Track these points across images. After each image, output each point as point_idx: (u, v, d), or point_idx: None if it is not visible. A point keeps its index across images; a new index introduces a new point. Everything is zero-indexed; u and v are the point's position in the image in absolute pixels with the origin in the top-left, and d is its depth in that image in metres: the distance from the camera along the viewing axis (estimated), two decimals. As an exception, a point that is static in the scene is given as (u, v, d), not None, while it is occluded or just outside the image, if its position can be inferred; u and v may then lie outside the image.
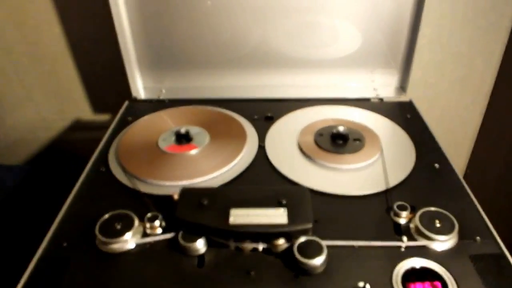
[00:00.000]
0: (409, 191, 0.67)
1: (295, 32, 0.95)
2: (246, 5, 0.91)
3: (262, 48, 0.97)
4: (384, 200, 0.64)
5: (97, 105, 1.21)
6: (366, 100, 0.98)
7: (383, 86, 1.01)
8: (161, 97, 0.99)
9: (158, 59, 0.98)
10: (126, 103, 0.97)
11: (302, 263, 0.53)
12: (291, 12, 0.92)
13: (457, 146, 1.31)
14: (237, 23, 0.94)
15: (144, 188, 0.68)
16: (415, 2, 0.90)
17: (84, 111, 1.23)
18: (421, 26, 0.91)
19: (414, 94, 1.01)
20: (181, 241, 0.56)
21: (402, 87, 1.01)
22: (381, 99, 0.98)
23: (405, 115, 0.91)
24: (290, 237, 0.55)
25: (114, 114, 0.93)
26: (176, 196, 0.60)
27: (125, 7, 0.91)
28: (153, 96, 1.00)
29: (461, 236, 0.58)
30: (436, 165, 0.73)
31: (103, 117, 1.24)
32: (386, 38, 0.95)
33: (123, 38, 0.92)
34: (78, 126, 1.26)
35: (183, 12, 0.92)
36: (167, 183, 0.69)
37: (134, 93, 0.99)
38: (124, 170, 0.72)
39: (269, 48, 0.97)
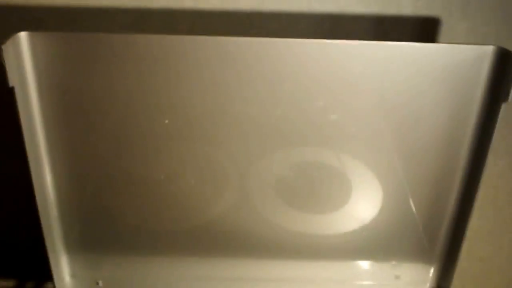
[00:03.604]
0: None
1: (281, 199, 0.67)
2: (217, 161, 0.64)
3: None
4: None
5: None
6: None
7: (412, 285, 0.71)
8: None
9: (94, 235, 0.71)
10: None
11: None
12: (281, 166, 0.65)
13: None
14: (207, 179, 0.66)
15: None
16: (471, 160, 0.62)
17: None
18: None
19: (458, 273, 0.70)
20: None
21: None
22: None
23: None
24: None
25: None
26: None
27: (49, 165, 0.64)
28: (84, 289, 0.72)
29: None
30: None
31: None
32: (416, 210, 0.66)
33: (43, 202, 0.64)
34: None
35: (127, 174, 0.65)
36: None
37: (57, 284, 0.70)
38: None
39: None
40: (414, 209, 0.66)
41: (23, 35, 0.53)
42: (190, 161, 0.64)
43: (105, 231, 0.70)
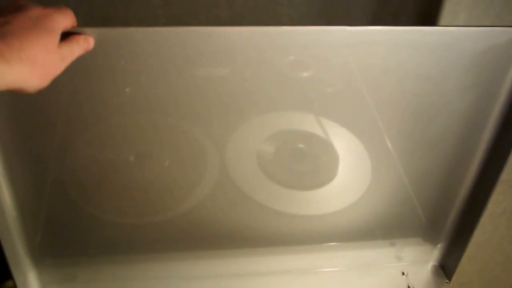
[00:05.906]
0: None
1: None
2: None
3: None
4: None
5: None
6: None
7: (414, 265, 0.68)
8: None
9: (61, 242, 0.61)
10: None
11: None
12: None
13: None
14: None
15: None
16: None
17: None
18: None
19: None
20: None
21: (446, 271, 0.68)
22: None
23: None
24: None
25: None
26: None
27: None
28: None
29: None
30: None
31: None
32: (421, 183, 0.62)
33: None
34: None
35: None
36: None
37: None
38: None
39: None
40: (408, 184, 0.62)
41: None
42: (163, 138, 0.55)
43: (73, 234, 0.61)
